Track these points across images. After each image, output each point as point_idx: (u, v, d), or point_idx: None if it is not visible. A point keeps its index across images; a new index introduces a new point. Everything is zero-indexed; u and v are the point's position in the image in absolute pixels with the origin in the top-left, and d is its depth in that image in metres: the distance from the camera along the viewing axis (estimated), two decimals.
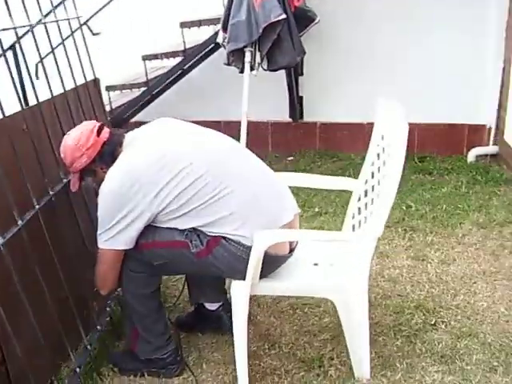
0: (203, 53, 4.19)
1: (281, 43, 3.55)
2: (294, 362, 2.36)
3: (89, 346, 2.31)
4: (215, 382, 2.28)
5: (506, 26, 4.20)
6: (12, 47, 3.40)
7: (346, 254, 2.31)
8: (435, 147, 4.60)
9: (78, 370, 2.18)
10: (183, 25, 4.05)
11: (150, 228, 2.08)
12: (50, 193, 2.23)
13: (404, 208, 3.71)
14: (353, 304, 2.14)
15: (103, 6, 4.13)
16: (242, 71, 3.70)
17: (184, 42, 3.98)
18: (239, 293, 2.09)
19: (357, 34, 4.49)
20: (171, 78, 4.07)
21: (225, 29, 3.60)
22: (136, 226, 2.05)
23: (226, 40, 3.60)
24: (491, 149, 4.39)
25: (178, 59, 4.03)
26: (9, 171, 1.94)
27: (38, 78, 3.92)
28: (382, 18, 4.45)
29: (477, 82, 4.38)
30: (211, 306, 2.54)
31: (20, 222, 1.95)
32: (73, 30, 2.76)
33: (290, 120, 4.66)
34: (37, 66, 3.30)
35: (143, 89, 3.98)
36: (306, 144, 4.71)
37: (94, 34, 4.71)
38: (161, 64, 4.22)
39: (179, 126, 2.23)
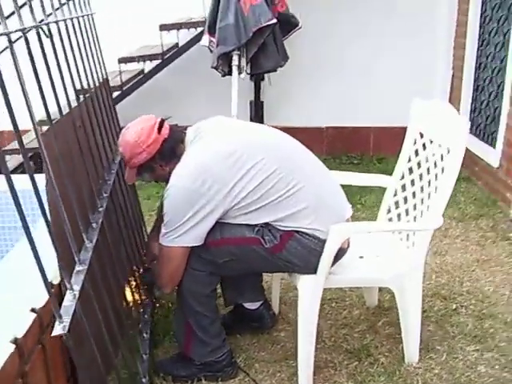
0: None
1: (266, 48, 3.61)
2: (343, 353, 2.43)
3: (144, 356, 2.22)
4: (274, 380, 2.29)
5: (455, 35, 4.56)
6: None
7: (391, 245, 2.44)
8: (390, 149, 4.85)
9: (144, 380, 2.09)
10: (162, 27, 3.99)
11: (217, 225, 2.06)
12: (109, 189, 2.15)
13: None
14: (410, 292, 2.25)
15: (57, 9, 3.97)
16: (225, 75, 3.72)
17: (162, 45, 3.92)
18: (311, 286, 2.13)
19: (317, 42, 4.68)
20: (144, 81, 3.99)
21: (210, 32, 3.61)
22: (208, 222, 2.03)
23: (212, 43, 3.60)
24: None
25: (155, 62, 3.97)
26: (79, 170, 1.85)
27: None
28: (342, 30, 4.72)
29: (428, 89, 4.69)
30: (252, 306, 2.54)
31: (95, 225, 1.86)
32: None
33: None
34: None
35: (117, 92, 3.87)
36: None
37: (47, 37, 4.51)
38: (137, 66, 4.11)
39: (238, 123, 2.23)
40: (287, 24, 3.71)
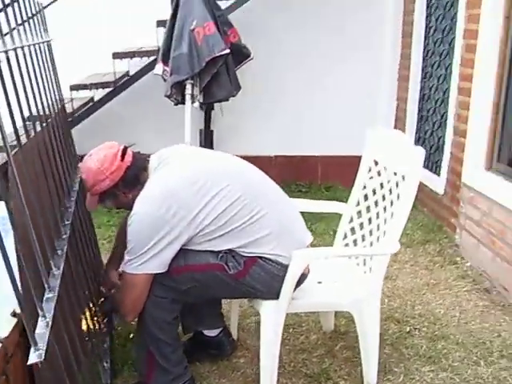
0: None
1: (219, 77, 3.67)
2: (303, 378, 2.46)
3: None
4: None
5: (399, 67, 4.76)
6: None
7: (348, 271, 2.50)
8: (337, 177, 4.98)
9: None
10: (116, 55, 3.99)
11: (181, 251, 2.07)
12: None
13: (331, 233, 3.96)
14: (368, 316, 2.31)
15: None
16: (177, 103, 3.75)
17: (115, 73, 3.92)
18: (274, 311, 2.16)
19: (266, 73, 4.77)
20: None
21: (164, 61, 3.64)
22: (172, 249, 2.04)
23: (165, 72, 3.63)
24: None
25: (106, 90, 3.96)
26: (44, 195, 1.83)
27: None
28: (291, 62, 4.87)
29: (373, 119, 4.86)
30: (211, 333, 2.54)
31: (60, 252, 1.84)
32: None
33: None
34: None
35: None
36: None
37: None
38: (87, 94, 4.09)
39: (201, 151, 2.26)
40: (239, 54, 3.79)
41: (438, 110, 4.17)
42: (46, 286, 1.55)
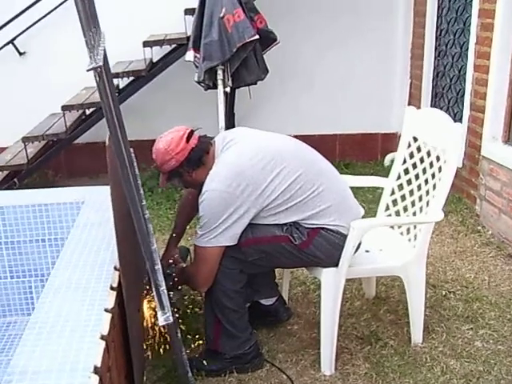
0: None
1: (247, 62, 3.83)
2: (354, 340, 2.67)
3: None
4: (298, 367, 2.49)
5: (411, 46, 4.94)
6: None
7: (391, 239, 2.70)
8: (354, 154, 5.17)
9: (190, 375, 2.22)
10: (146, 44, 4.13)
11: (248, 226, 2.26)
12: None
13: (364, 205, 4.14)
14: (416, 278, 2.52)
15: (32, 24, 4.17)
16: (208, 88, 3.90)
17: (145, 59, 4.06)
18: (334, 278, 2.35)
19: (281, 56, 4.91)
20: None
21: (195, 48, 3.79)
22: (242, 223, 2.23)
23: (196, 59, 3.78)
24: None
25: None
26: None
27: None
28: (306, 42, 5.02)
29: (388, 97, 5.05)
30: (268, 301, 2.73)
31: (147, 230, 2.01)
32: None
33: None
34: None
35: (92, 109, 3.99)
36: None
37: (20, 54, 4.60)
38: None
39: (261, 132, 2.44)
40: (266, 39, 3.94)
41: (454, 87, 4.36)
42: (153, 259, 1.74)
